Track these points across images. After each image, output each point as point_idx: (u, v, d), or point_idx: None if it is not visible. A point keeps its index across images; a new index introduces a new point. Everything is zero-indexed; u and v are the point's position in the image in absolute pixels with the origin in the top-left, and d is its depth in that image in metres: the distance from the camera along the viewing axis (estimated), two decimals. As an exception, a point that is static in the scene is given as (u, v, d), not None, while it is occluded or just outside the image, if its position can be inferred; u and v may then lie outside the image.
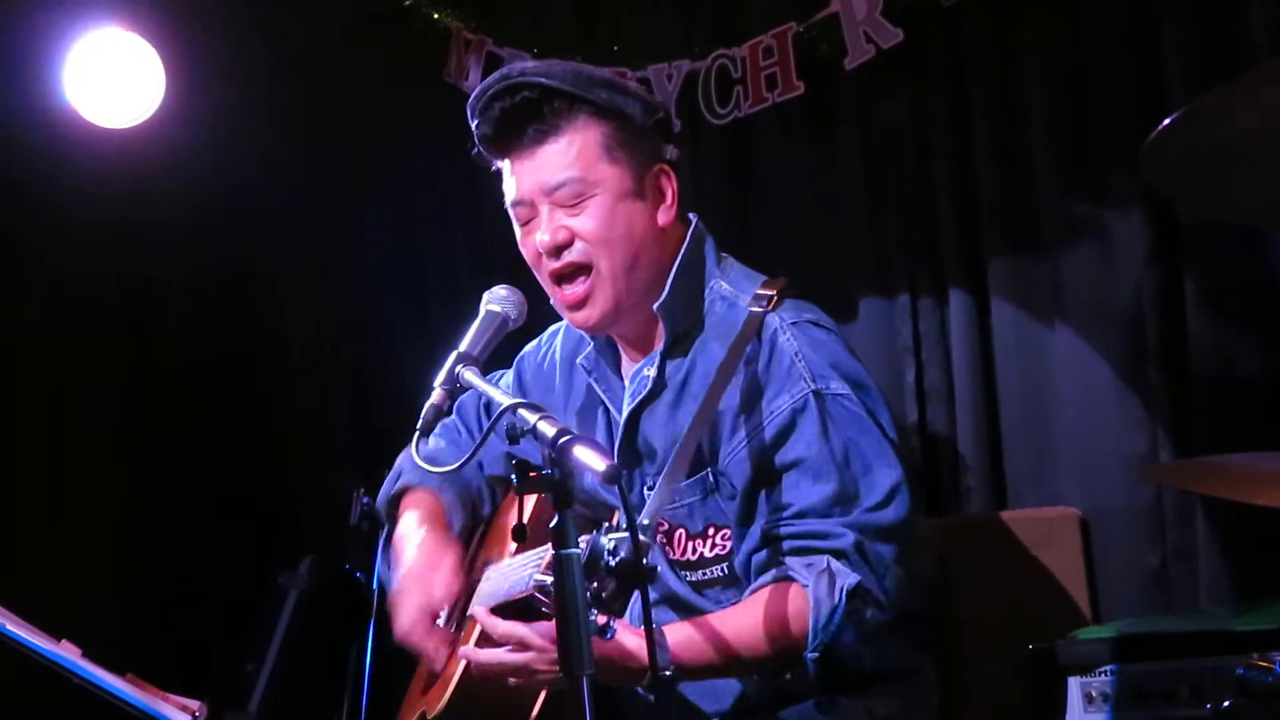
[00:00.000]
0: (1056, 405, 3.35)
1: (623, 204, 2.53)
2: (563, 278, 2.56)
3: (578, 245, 2.53)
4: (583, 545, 2.11)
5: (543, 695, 2.45)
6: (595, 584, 2.10)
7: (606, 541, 2.12)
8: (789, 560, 2.42)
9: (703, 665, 2.34)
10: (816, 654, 2.38)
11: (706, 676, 2.40)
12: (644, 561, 2.11)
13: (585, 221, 2.52)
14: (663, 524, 2.42)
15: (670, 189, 2.59)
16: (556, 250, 2.54)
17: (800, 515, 2.44)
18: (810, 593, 2.37)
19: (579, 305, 2.56)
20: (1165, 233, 3.19)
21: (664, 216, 2.58)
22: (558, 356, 2.81)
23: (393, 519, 2.87)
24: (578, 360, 2.74)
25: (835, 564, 2.38)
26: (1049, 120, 3.34)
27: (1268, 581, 2.98)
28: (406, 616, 2.68)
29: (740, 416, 2.48)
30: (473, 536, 2.87)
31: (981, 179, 3.44)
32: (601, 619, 2.13)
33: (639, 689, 2.48)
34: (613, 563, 2.10)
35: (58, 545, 4.07)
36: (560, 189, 2.52)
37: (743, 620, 2.39)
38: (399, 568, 2.74)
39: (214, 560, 4.12)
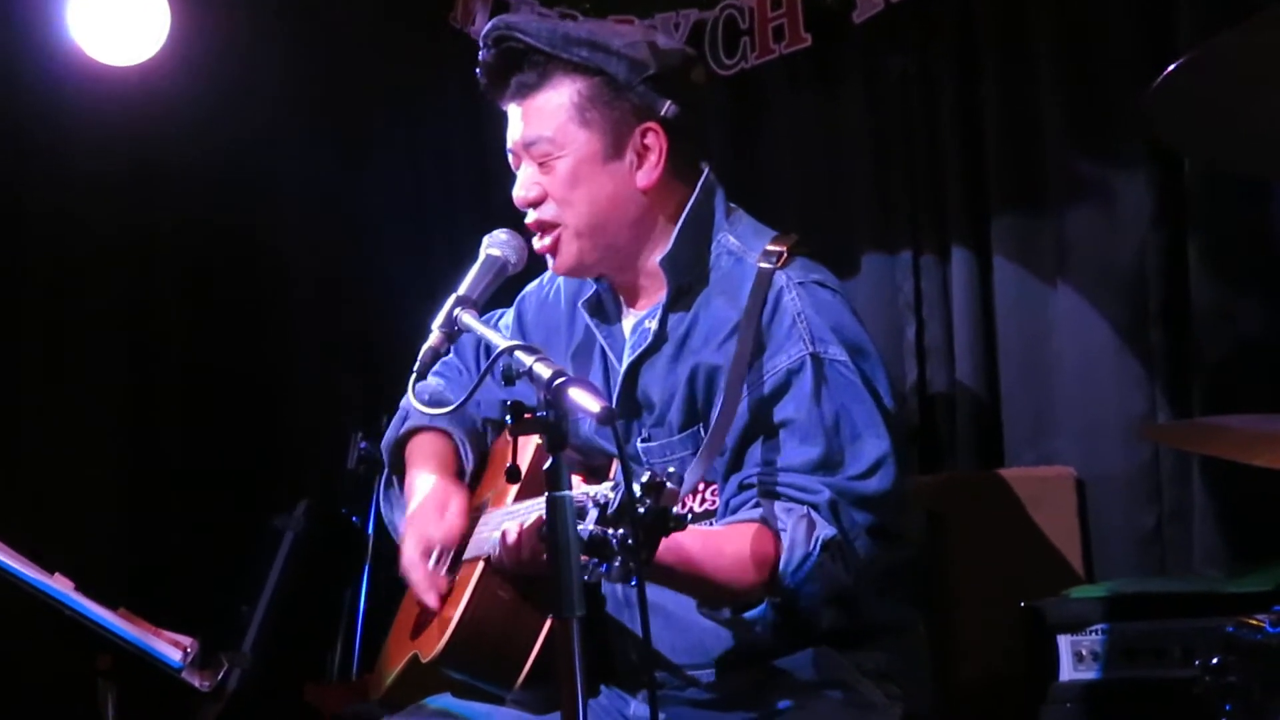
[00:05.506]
0: (1056, 364, 3.35)
1: (589, 167, 2.54)
2: (534, 231, 2.60)
3: (548, 204, 2.56)
4: (608, 491, 2.09)
5: (542, 637, 2.45)
6: (623, 530, 2.05)
7: (638, 488, 2.07)
8: (766, 504, 2.41)
9: (664, 569, 2.30)
10: (779, 599, 2.37)
11: (664, 583, 2.38)
12: (673, 510, 2.06)
13: (551, 182, 2.55)
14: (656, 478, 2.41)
15: (657, 148, 2.55)
16: (528, 205, 2.58)
17: (783, 471, 2.43)
18: (786, 536, 2.36)
19: (550, 255, 2.60)
20: (1170, 193, 3.18)
21: (645, 178, 2.56)
22: (562, 294, 2.80)
23: (399, 461, 2.86)
24: (580, 302, 2.73)
25: (814, 514, 2.38)
26: (1057, 77, 3.32)
27: (1263, 543, 2.98)
28: (409, 551, 2.68)
29: (738, 373, 2.47)
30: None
31: (987, 135, 3.43)
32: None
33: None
34: (642, 510, 2.05)
35: (54, 483, 4.07)
36: (532, 146, 2.56)
37: (714, 543, 2.37)
38: (410, 509, 2.74)
39: (210, 501, 4.13)
